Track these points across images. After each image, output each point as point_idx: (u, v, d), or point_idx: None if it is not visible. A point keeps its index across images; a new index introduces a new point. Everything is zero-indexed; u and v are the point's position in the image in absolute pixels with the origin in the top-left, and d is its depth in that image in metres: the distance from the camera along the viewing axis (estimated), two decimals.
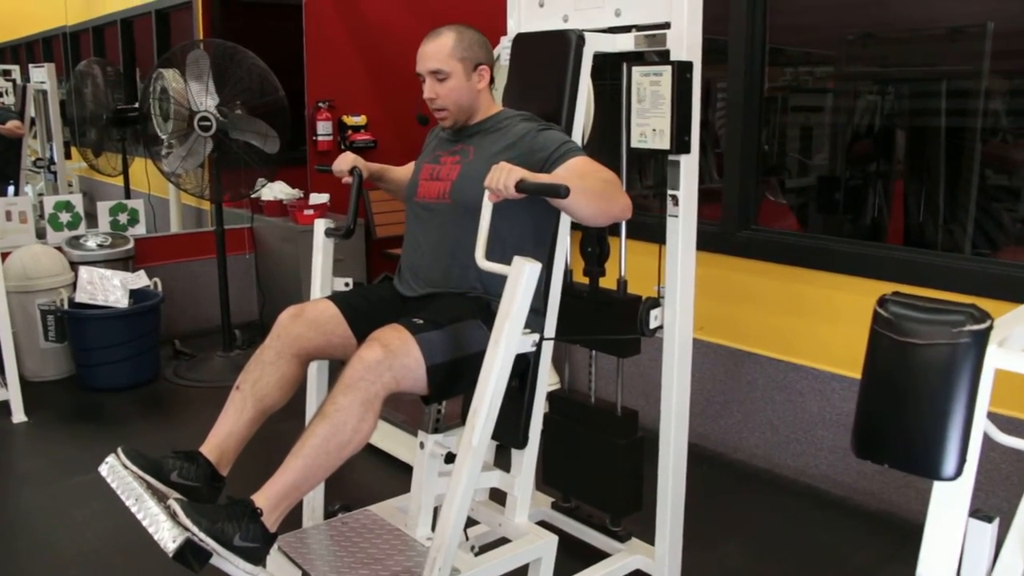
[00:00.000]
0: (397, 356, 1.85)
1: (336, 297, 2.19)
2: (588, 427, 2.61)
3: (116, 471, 1.82)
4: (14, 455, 3.61)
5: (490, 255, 1.87)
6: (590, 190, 1.92)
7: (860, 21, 3.33)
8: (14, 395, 3.80)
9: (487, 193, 1.84)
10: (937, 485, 1.17)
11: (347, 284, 2.39)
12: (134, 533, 1.71)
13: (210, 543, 1.62)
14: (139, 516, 1.69)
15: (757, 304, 3.35)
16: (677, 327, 2.32)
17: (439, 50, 2.14)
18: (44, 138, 5.53)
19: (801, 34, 3.52)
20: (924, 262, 2.88)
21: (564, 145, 2.07)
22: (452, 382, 1.99)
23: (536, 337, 1.94)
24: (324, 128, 5.25)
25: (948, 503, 1.17)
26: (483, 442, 1.83)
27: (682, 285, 2.31)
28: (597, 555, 2.57)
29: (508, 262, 1.82)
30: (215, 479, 1.94)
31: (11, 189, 5.39)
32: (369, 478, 3.20)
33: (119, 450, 1.85)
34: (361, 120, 5.39)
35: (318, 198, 4.94)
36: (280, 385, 2.03)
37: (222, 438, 1.97)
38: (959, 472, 1.10)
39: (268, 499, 1.76)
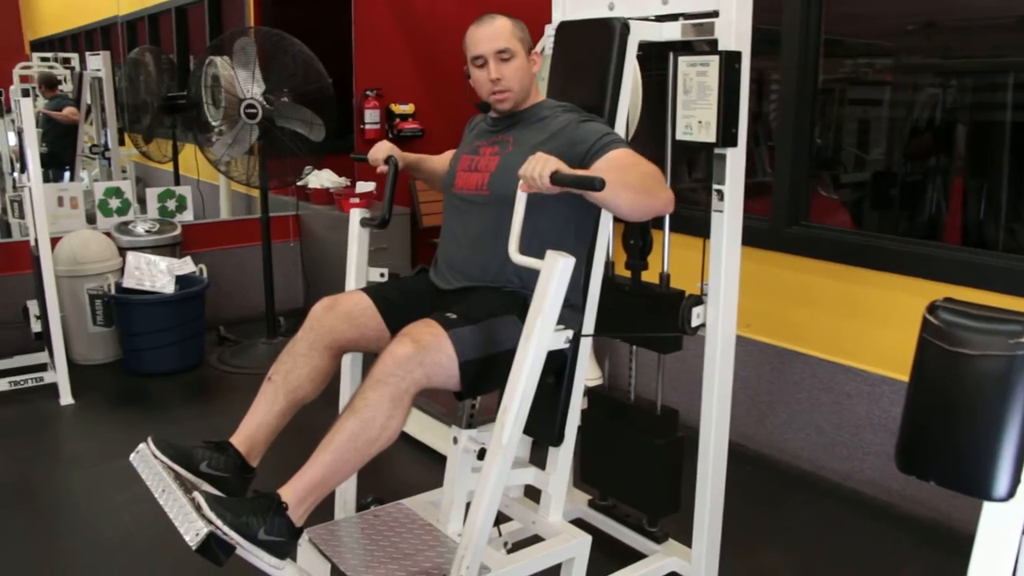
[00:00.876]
0: (428, 352, 1.81)
1: (370, 289, 2.16)
2: (627, 425, 2.56)
3: (147, 460, 1.82)
4: (61, 436, 3.68)
5: (529, 249, 1.81)
6: (629, 184, 1.86)
7: (922, 10, 3.20)
8: (62, 378, 3.87)
9: (520, 183, 1.79)
10: (987, 505, 1.09)
11: (382, 275, 2.37)
12: (169, 520, 1.70)
13: (234, 537, 1.61)
14: (165, 507, 1.69)
15: (806, 302, 3.25)
16: (720, 326, 2.26)
17: (502, 30, 2.11)
18: (99, 124, 5.63)
19: (859, 23, 3.40)
20: (983, 263, 2.75)
21: (605, 137, 2.01)
22: (485, 378, 1.95)
23: (570, 333, 1.89)
24: (372, 116, 5.23)
25: (999, 524, 1.10)
26: (513, 440, 1.79)
27: (726, 283, 2.24)
28: (633, 555, 2.52)
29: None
30: (245, 470, 1.94)
31: (67, 175, 5.51)
32: (405, 469, 3.19)
33: (149, 439, 1.85)
34: (409, 108, 5.37)
35: (364, 186, 4.93)
36: (312, 377, 2.01)
37: (253, 429, 1.97)
38: (1012, 493, 1.03)
39: (295, 493, 1.74)
